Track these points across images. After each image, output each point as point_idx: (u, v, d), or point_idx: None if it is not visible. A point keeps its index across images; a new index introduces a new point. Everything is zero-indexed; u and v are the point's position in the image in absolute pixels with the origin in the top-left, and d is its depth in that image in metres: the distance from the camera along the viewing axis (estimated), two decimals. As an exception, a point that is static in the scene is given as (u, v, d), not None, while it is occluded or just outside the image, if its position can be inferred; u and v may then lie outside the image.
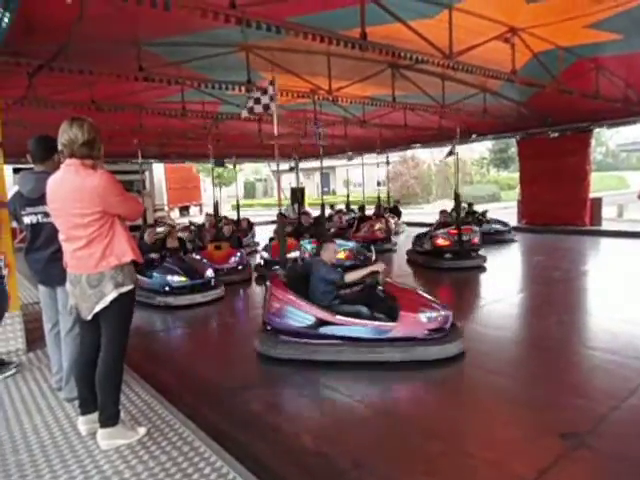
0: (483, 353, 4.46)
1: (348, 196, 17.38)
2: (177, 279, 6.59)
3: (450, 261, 8.48)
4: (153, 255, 7.08)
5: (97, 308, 2.57)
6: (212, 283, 6.92)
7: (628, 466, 2.66)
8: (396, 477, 2.66)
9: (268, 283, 4.66)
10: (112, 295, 2.55)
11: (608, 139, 46.46)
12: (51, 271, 3.15)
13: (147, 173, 19.66)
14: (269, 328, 4.53)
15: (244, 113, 5.41)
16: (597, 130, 13.55)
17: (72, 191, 2.50)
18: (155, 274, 6.61)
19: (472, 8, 5.20)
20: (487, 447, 2.93)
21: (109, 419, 2.69)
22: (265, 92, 5.06)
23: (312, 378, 4.07)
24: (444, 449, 2.92)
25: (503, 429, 3.18)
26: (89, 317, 2.62)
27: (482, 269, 8.43)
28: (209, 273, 6.92)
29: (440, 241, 8.65)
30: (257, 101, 5.12)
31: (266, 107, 5.10)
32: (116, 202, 2.56)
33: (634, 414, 3.20)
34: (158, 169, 22.62)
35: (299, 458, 2.85)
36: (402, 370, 4.09)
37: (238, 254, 8.75)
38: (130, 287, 2.62)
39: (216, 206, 10.36)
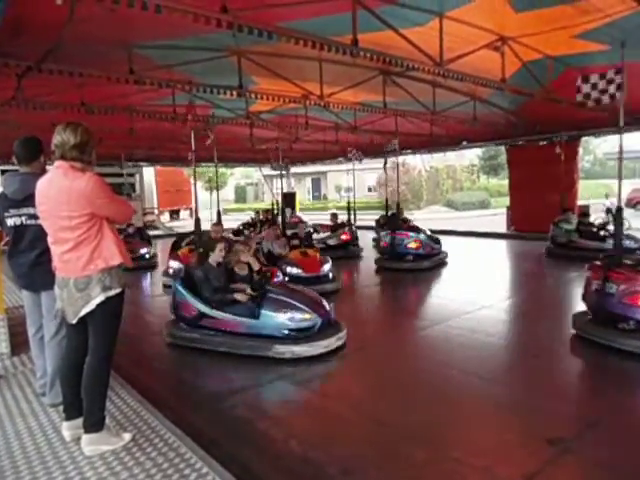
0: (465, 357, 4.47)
1: (348, 203, 15.03)
2: (299, 317, 4.77)
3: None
4: (239, 284, 5.25)
5: (83, 312, 2.54)
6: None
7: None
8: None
9: None
10: (99, 298, 2.52)
11: (596, 147, 47.18)
12: (35, 275, 3.10)
13: (137, 176, 19.58)
14: None
15: (589, 104, 5.43)
16: (585, 139, 13.74)
17: (60, 193, 2.48)
18: (267, 312, 4.77)
19: (462, 17, 5.24)
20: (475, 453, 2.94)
21: (94, 425, 2.66)
22: (611, 82, 4.93)
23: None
24: (432, 456, 2.92)
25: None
26: (74, 321, 2.59)
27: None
28: (327, 304, 5.14)
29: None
30: (603, 92, 5.04)
31: (612, 97, 5.01)
32: (104, 204, 2.54)
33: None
34: (148, 172, 22.49)
35: (288, 465, 2.83)
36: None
37: (329, 259, 7.80)
38: (118, 290, 2.60)
39: (282, 210, 11.02)
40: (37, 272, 3.07)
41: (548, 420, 3.29)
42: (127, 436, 2.80)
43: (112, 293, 2.56)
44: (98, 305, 2.53)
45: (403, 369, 4.48)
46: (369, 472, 2.76)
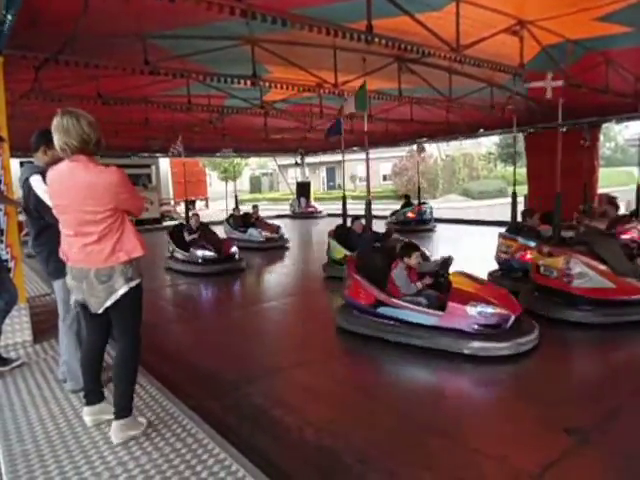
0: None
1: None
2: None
3: None
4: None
5: (108, 303, 2.56)
6: None
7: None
8: (400, 472, 2.66)
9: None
10: (123, 289, 2.55)
11: (617, 134, 46.01)
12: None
13: (153, 167, 19.74)
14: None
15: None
16: (606, 125, 13.41)
17: (84, 188, 2.46)
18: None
19: (479, 0, 5.14)
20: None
21: (124, 410, 2.71)
22: None
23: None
24: (448, 444, 2.92)
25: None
26: (100, 310, 2.60)
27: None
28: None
29: None
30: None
31: None
32: (126, 199, 2.56)
33: None
34: (164, 163, 22.64)
35: (303, 452, 2.86)
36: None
37: None
38: (138, 281, 2.63)
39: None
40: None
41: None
42: (144, 420, 2.85)
43: (134, 284, 2.59)
44: (122, 296, 2.56)
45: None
46: (384, 461, 2.77)
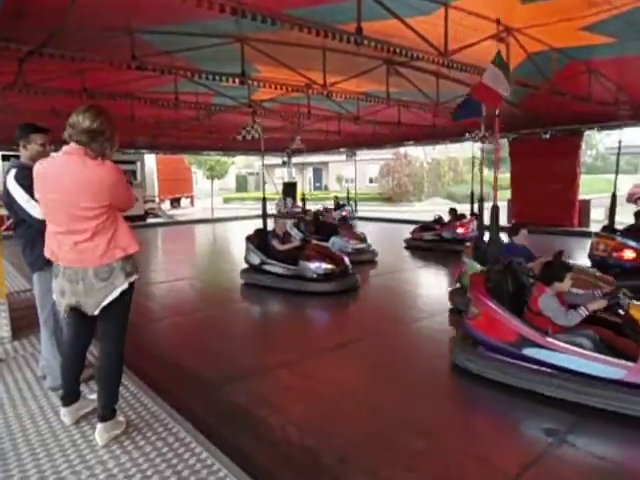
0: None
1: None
2: None
3: None
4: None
5: (106, 301, 2.49)
6: None
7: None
8: (381, 473, 2.68)
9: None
10: (124, 286, 2.50)
11: (598, 142, 46.92)
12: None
13: (138, 164, 19.54)
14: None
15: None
16: (587, 133, 13.70)
17: (80, 183, 2.36)
18: None
19: (468, 6, 5.19)
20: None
21: (110, 413, 2.68)
22: None
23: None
24: (430, 445, 2.94)
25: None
26: (96, 312, 2.53)
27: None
28: None
29: None
30: None
31: None
32: (121, 195, 2.50)
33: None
34: (150, 160, 22.43)
35: (285, 452, 2.86)
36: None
37: None
38: (137, 276, 2.61)
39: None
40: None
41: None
42: (124, 419, 2.82)
43: (133, 279, 2.56)
44: (120, 293, 2.51)
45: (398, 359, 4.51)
46: (366, 461, 2.79)
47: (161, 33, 5.79)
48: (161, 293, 7.57)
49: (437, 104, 9.04)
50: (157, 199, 23.44)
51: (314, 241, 7.75)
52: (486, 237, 6.38)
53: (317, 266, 6.92)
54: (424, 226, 11.39)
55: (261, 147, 8.35)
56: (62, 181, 2.38)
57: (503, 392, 3.54)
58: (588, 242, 7.57)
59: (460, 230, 10.48)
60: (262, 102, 9.75)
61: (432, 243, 10.74)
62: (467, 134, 12.51)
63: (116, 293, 2.49)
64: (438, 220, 11.26)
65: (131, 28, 5.53)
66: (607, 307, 3.59)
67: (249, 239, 7.69)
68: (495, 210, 5.14)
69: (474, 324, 3.86)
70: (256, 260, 7.43)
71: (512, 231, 5.80)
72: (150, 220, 19.67)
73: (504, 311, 3.64)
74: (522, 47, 6.11)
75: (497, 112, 5.10)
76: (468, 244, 6.69)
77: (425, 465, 2.75)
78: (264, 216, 8.29)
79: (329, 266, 6.95)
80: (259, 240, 7.57)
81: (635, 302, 3.44)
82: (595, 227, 13.06)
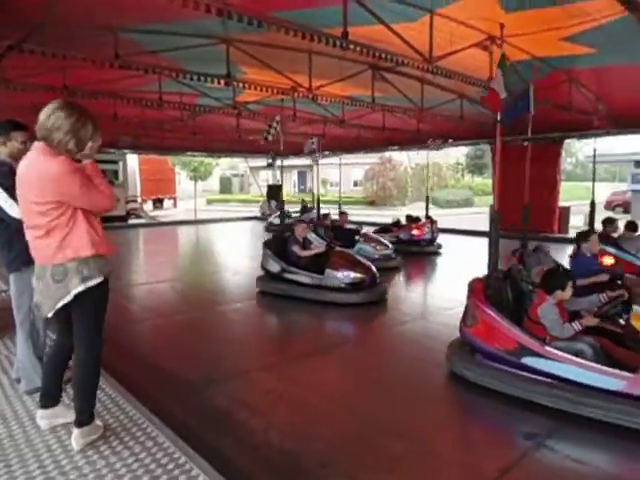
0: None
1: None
2: None
3: None
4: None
5: (60, 304, 2.41)
6: None
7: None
8: (361, 476, 2.67)
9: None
10: (78, 289, 2.40)
11: (578, 150, 47.96)
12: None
13: (121, 163, 19.29)
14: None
15: None
16: (568, 141, 13.98)
17: (31, 175, 2.37)
18: None
19: (453, 14, 5.26)
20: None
21: (87, 417, 2.61)
22: None
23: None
24: (411, 449, 2.95)
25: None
26: (50, 314, 2.47)
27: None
28: None
29: None
30: None
31: None
32: (74, 195, 2.35)
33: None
34: (132, 160, 22.17)
35: (266, 455, 2.84)
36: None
37: None
38: (99, 280, 2.46)
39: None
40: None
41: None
42: (100, 423, 2.76)
43: (92, 283, 2.44)
44: (78, 296, 2.41)
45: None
46: (346, 465, 2.78)
47: (146, 32, 5.74)
48: (142, 295, 7.46)
49: (422, 110, 9.13)
50: (139, 200, 23.16)
51: (338, 247, 7.10)
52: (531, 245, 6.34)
53: (345, 275, 6.36)
54: (383, 229, 11.67)
55: (280, 147, 7.95)
56: (24, 176, 2.42)
57: (491, 398, 3.55)
58: (568, 248, 7.67)
59: (415, 232, 10.85)
60: (247, 104, 9.72)
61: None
62: (429, 141, 12.81)
63: (69, 297, 2.40)
64: (396, 223, 11.66)
65: (115, 26, 5.46)
66: (608, 316, 3.56)
67: (267, 244, 7.17)
68: (495, 217, 5.07)
69: (472, 331, 3.82)
70: (276, 267, 6.82)
71: (581, 237, 5.10)
72: (132, 221, 19.41)
73: (503, 319, 3.60)
74: (506, 55, 6.20)
75: (499, 117, 5.13)
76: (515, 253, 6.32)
77: (405, 468, 2.75)
78: (282, 219, 8.10)
79: (358, 275, 6.39)
80: (277, 246, 7.03)
81: (637, 310, 3.39)
82: (574, 233, 13.36)
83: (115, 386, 3.37)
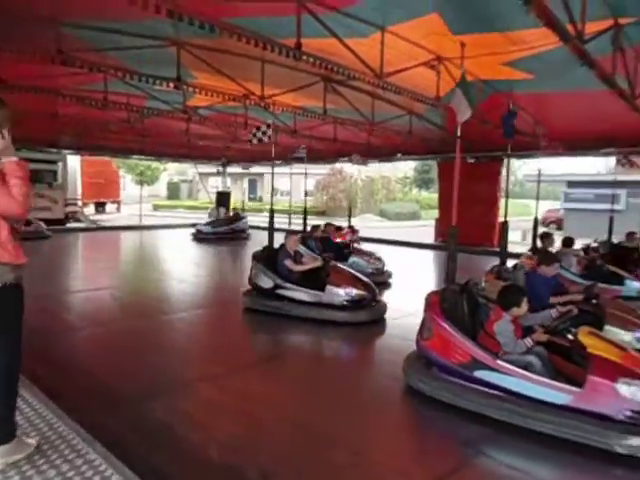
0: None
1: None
2: None
3: None
4: None
5: None
6: None
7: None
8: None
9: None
10: None
11: (517, 169, 50.71)
12: None
13: (60, 164, 18.34)
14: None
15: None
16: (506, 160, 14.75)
17: None
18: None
19: (403, 33, 5.43)
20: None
21: (9, 434, 2.42)
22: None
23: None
24: (355, 460, 2.95)
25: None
26: None
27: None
28: None
29: None
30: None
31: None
32: None
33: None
34: (73, 161, 21.13)
35: (205, 470, 2.74)
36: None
37: None
38: None
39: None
40: None
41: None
42: (32, 442, 2.57)
43: None
44: None
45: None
46: (290, 477, 2.74)
47: (92, 29, 5.52)
48: (78, 302, 7.08)
49: (372, 123, 9.32)
50: (80, 202, 22.07)
51: (333, 262, 6.54)
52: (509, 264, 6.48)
53: (348, 292, 5.90)
54: (304, 236, 11.70)
55: (272, 154, 7.88)
56: None
57: (444, 411, 3.57)
58: (509, 262, 7.98)
59: (338, 240, 10.35)
60: (197, 109, 9.55)
61: None
62: (353, 155, 13.32)
63: None
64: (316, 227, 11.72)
65: (58, 20, 5.22)
66: (557, 331, 3.67)
67: (256, 257, 6.54)
68: (453, 231, 5.18)
69: (428, 345, 3.83)
70: (268, 283, 6.19)
71: (544, 260, 5.00)
72: (71, 225, 18.48)
73: (457, 332, 3.63)
74: (451, 75, 6.48)
75: (459, 133, 5.25)
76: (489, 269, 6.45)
77: (346, 479, 2.75)
78: (271, 230, 7.50)
79: (361, 292, 5.99)
80: (268, 259, 6.42)
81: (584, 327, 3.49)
82: (512, 248, 14.04)
83: (43, 400, 3.15)
